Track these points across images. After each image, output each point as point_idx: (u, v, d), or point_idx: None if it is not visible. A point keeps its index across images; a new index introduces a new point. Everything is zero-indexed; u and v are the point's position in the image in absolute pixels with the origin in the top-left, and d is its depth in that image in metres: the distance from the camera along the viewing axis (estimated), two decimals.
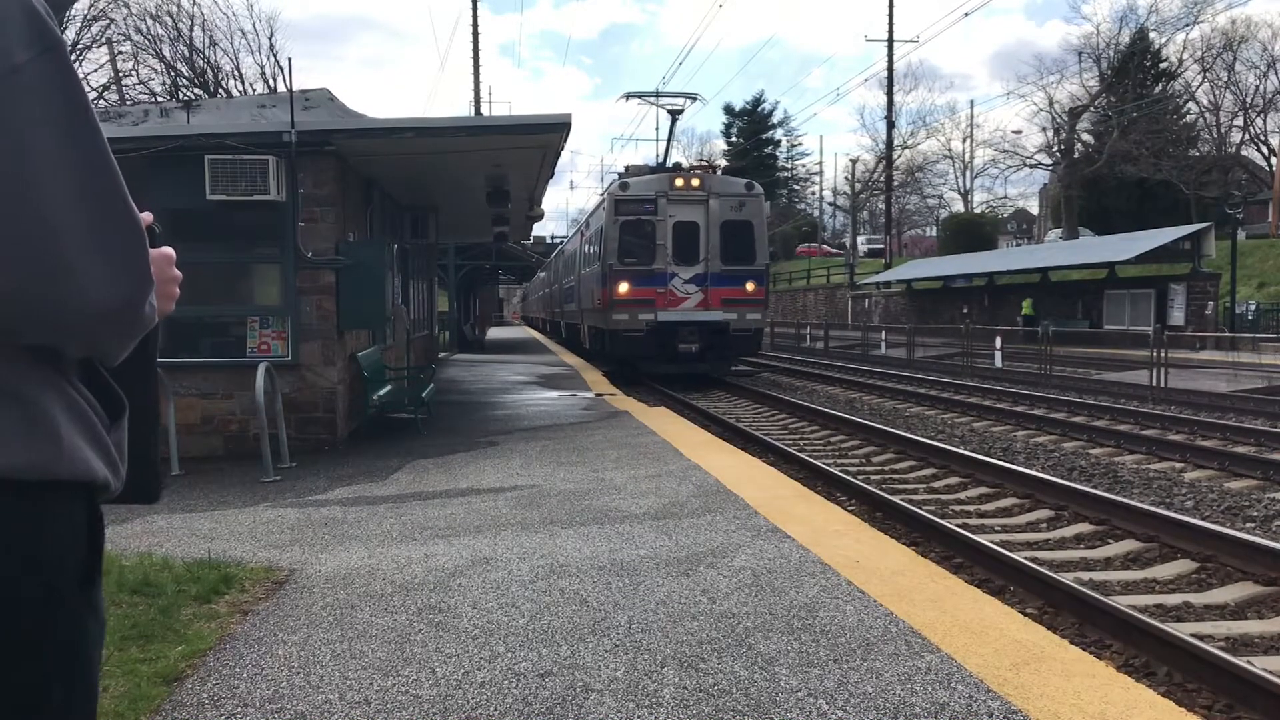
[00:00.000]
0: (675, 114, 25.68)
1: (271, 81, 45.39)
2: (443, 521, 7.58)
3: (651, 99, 25.96)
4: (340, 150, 11.78)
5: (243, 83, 46.19)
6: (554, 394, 18.16)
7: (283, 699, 4.17)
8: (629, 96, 25.85)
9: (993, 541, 8.28)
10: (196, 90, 41.77)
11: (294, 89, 12.79)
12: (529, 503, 8.16)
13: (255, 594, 5.73)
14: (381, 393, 13.15)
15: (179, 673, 4.49)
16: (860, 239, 71.65)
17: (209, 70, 44.90)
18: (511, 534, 7.04)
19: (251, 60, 72.27)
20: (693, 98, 25.57)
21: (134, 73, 41.85)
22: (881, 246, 68.71)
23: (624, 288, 22.09)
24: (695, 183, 22.72)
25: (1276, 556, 7.42)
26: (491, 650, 4.66)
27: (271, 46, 50.87)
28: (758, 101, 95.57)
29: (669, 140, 27.71)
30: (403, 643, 4.80)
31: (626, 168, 24.90)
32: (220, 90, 43.49)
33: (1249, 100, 70.62)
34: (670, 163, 25.60)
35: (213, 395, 11.52)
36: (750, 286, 22.81)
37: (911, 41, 67.48)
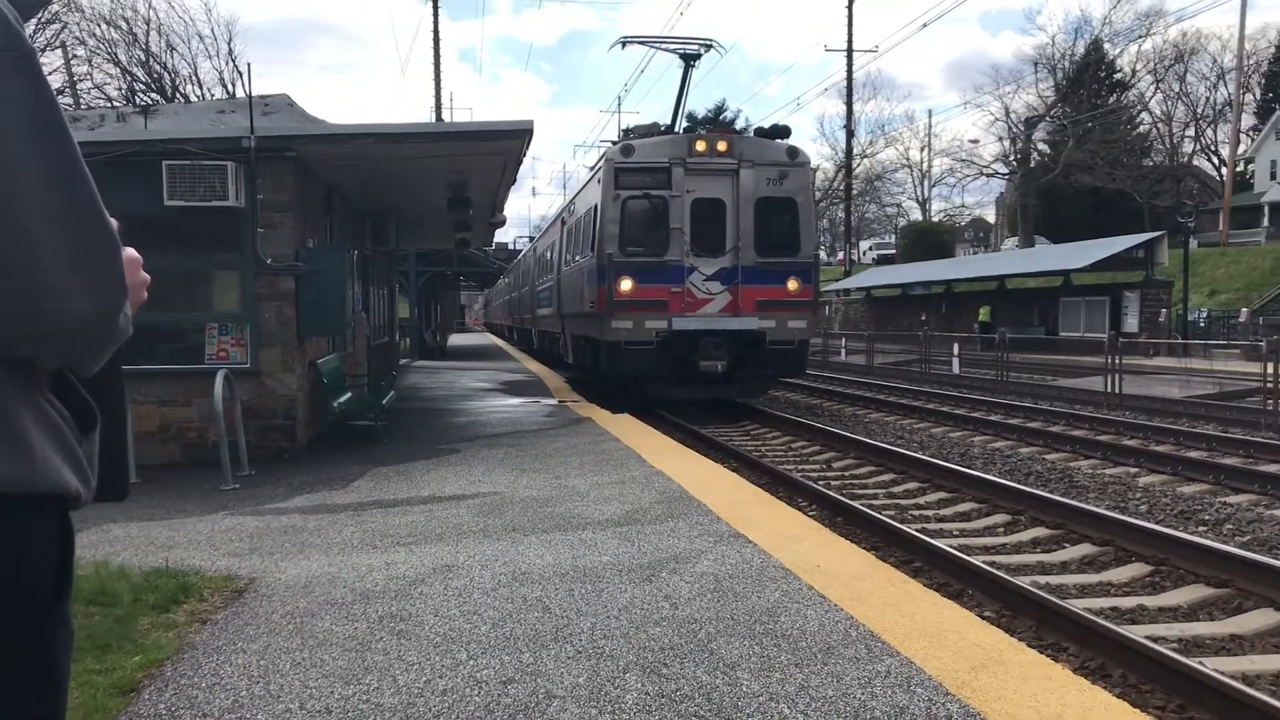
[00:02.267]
0: (690, 60, 19.35)
1: (230, 87, 45.06)
2: (404, 529, 7.54)
3: (655, 43, 20.38)
4: (300, 156, 11.71)
5: (201, 88, 45.82)
6: (516, 401, 18.11)
7: (242, 708, 4.14)
8: (625, 43, 20.24)
9: (951, 546, 8.37)
10: (154, 95, 41.33)
11: (253, 94, 12.71)
12: (491, 510, 8.13)
13: (214, 603, 5.67)
14: (342, 400, 13.07)
15: (136, 684, 4.43)
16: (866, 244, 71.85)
17: (166, 75, 44.51)
18: (474, 541, 7.03)
19: (210, 65, 71.77)
20: (708, 45, 19.57)
21: (89, 77, 41.39)
22: (887, 252, 69.09)
23: (627, 285, 16.90)
24: (722, 146, 17.42)
25: (1227, 559, 7.55)
26: (454, 658, 4.64)
27: (230, 51, 50.53)
28: (720, 109, 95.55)
29: (682, 96, 20.15)
30: (364, 651, 4.78)
31: (627, 130, 19.14)
32: (178, 95, 43.08)
33: (1200, 111, 71.91)
34: (682, 129, 19.63)
35: (171, 402, 11.39)
36: (793, 285, 17.51)
37: (870, 51, 68.39)
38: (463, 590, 5.76)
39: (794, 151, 17.96)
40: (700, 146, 17.41)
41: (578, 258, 20.06)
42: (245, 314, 11.56)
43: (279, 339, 11.61)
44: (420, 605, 5.48)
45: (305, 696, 4.24)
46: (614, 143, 18.75)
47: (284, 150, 11.44)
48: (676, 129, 19.30)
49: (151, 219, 11.02)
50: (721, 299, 17.36)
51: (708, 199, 17.37)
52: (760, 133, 18.44)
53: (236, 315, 11.64)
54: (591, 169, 21.06)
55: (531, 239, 42.05)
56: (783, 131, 18.24)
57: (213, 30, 71.77)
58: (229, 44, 62.89)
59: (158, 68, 44.16)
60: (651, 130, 18.68)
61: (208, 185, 10.84)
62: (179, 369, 11.47)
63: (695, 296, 17.27)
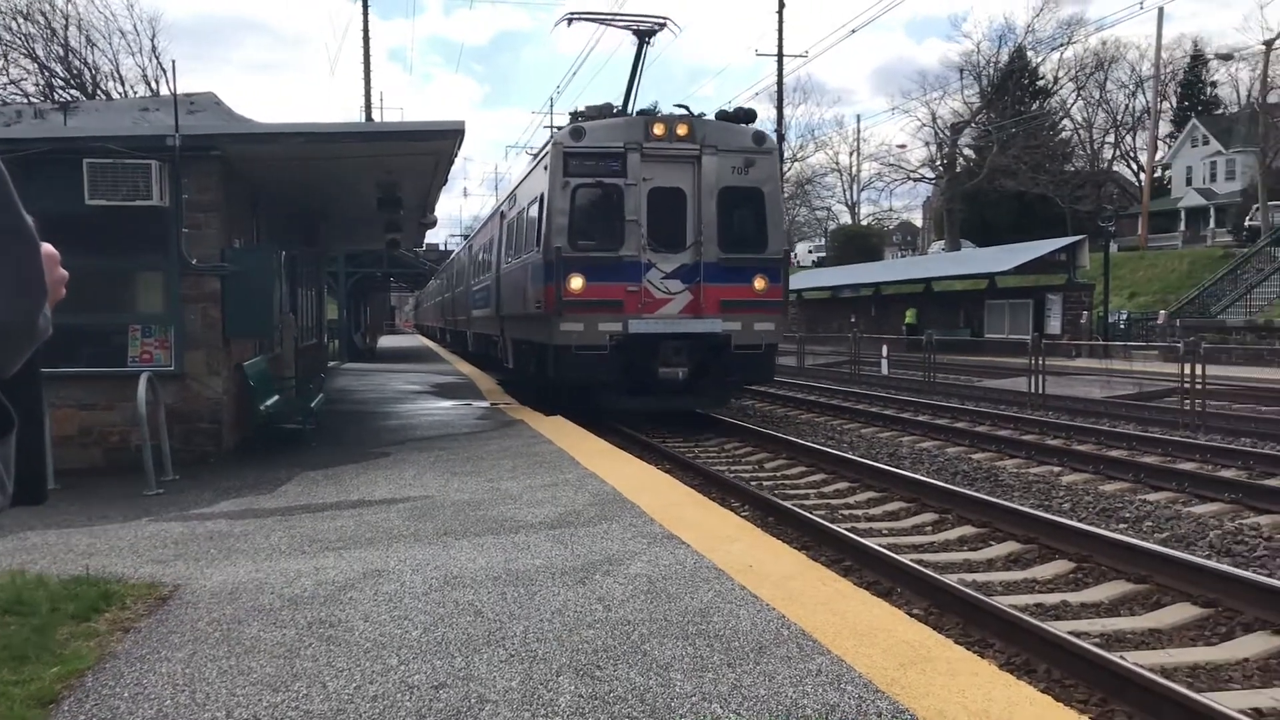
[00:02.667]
0: (644, 36, 17.80)
1: (154, 84, 44.15)
2: (333, 534, 7.45)
3: (606, 20, 18.68)
4: (226, 155, 11.51)
5: (123, 85, 44.83)
6: (448, 403, 17.99)
7: (166, 718, 4.06)
8: (571, 19, 18.37)
9: (881, 545, 8.47)
10: (73, 92, 40.37)
11: (178, 92, 12.47)
12: (422, 514, 8.07)
13: (137, 611, 5.55)
14: (269, 403, 12.87)
15: (55, 695, 4.32)
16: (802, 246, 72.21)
17: (87, 71, 43.48)
18: (404, 546, 6.96)
19: (132, 62, 70.02)
20: (662, 23, 17.95)
21: (4, 72, 40.31)
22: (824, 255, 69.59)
23: (577, 283, 15.30)
24: (682, 130, 15.90)
25: (1147, 556, 7.75)
26: (384, 663, 4.60)
27: (154, 48, 49.45)
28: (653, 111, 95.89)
29: (635, 77, 18.18)
30: (292, 657, 4.71)
31: (576, 112, 16.93)
32: (99, 93, 42.11)
33: (1119, 118, 73.78)
34: (636, 112, 17.22)
35: (92, 406, 11.13)
36: (760, 284, 16.08)
37: (800, 56, 68.90)
38: (393, 595, 5.70)
39: (760, 137, 16.58)
40: (658, 130, 15.79)
41: (520, 254, 18.45)
42: (169, 315, 11.34)
43: (204, 341, 11.40)
44: (350, 611, 5.42)
45: (232, 704, 4.17)
46: (559, 128, 16.76)
47: (210, 149, 11.24)
48: (630, 112, 17.32)
49: (72, 218, 10.76)
50: (682, 299, 15.90)
51: (666, 188, 15.87)
52: (723, 116, 16.87)
53: (160, 317, 11.41)
54: (535, 155, 19.09)
55: (466, 236, 40.07)
56: (748, 115, 16.92)
57: (135, 26, 70.35)
58: (152, 40, 61.34)
59: (78, 63, 43.12)
60: (604, 111, 16.64)
61: (131, 184, 10.62)
62: (101, 371, 11.21)
63: (653, 296, 15.75)
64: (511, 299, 19.38)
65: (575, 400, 16.45)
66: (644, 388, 15.82)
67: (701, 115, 16.56)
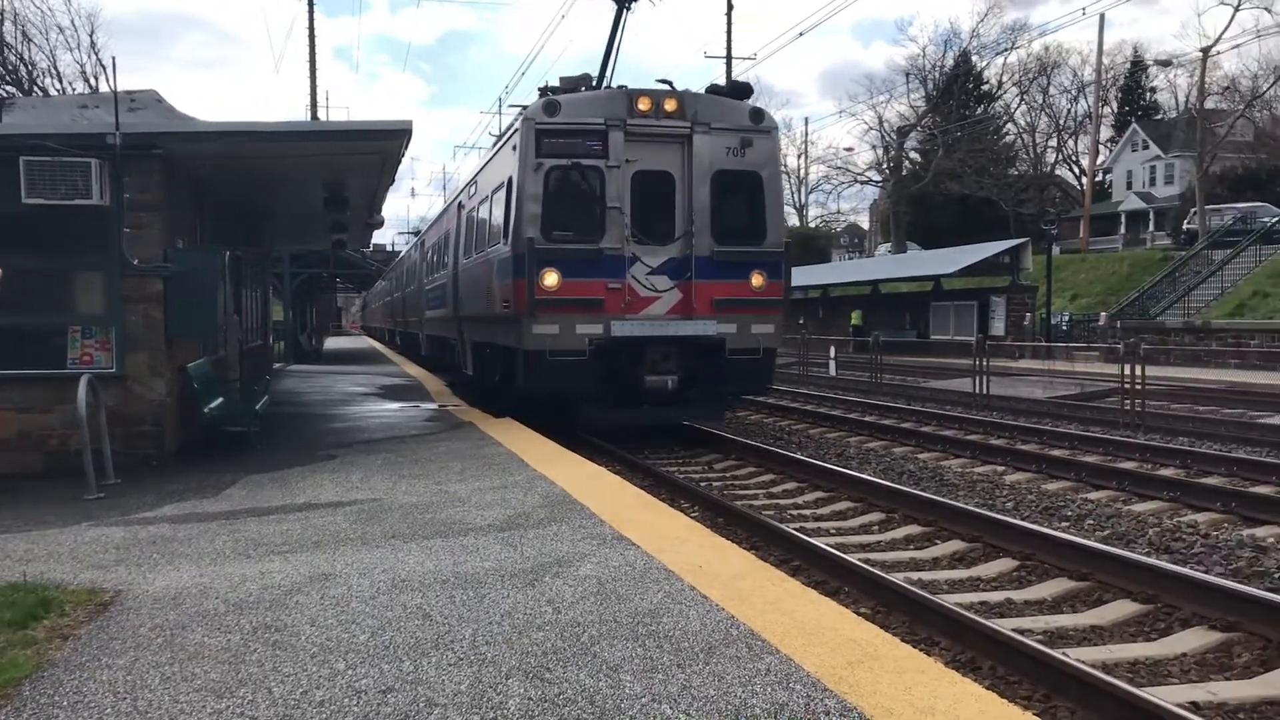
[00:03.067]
0: (625, 1, 16.29)
1: (93, 81, 43.42)
2: (279, 538, 7.36)
3: None
4: (169, 154, 11.33)
5: (61, 81, 44.05)
6: (395, 405, 17.85)
7: None
8: None
9: (829, 544, 8.54)
10: (8, 88, 39.53)
11: (119, 89, 12.24)
12: (369, 517, 8.00)
13: (77, 617, 5.45)
14: (213, 405, 12.69)
15: None
16: None
17: (23, 67, 42.62)
18: (351, 549, 6.90)
19: (70, 58, 68.94)
20: None
21: None
22: None
23: (552, 280, 13.67)
24: (671, 106, 14.17)
25: (1089, 554, 7.88)
26: (331, 668, 4.55)
27: (93, 44, 48.46)
28: None
29: (613, 46, 16.61)
30: (237, 663, 4.65)
31: (547, 88, 15.09)
32: (36, 89, 41.30)
33: (1061, 123, 74.99)
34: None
35: (30, 409, 10.91)
36: (758, 280, 14.48)
37: (749, 59, 69.15)
38: (340, 599, 5.65)
39: (759, 114, 14.84)
40: (644, 105, 14.03)
41: (484, 248, 16.63)
42: (111, 317, 11.14)
43: (147, 343, 11.22)
44: (296, 615, 5.36)
45: (175, 712, 4.11)
46: (524, 107, 14.80)
47: (151, 148, 11.06)
48: (607, 85, 15.78)
49: (9, 217, 10.58)
50: (670, 297, 14.23)
51: (653, 172, 14.22)
52: (715, 90, 15.24)
53: (101, 318, 11.21)
54: (502, 135, 17.06)
55: (417, 233, 37.92)
56: (743, 89, 15.34)
57: (73, 21, 68.69)
58: (91, 36, 60.31)
59: (13, 59, 42.27)
60: (581, 84, 14.99)
61: (70, 183, 10.43)
62: (39, 374, 10.98)
63: (638, 294, 14.07)
64: (472, 298, 17.76)
65: (547, 412, 14.94)
66: (629, 399, 14.26)
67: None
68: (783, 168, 15.10)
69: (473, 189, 18.85)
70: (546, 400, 14.57)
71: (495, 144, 17.29)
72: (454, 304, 20.01)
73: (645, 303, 14.12)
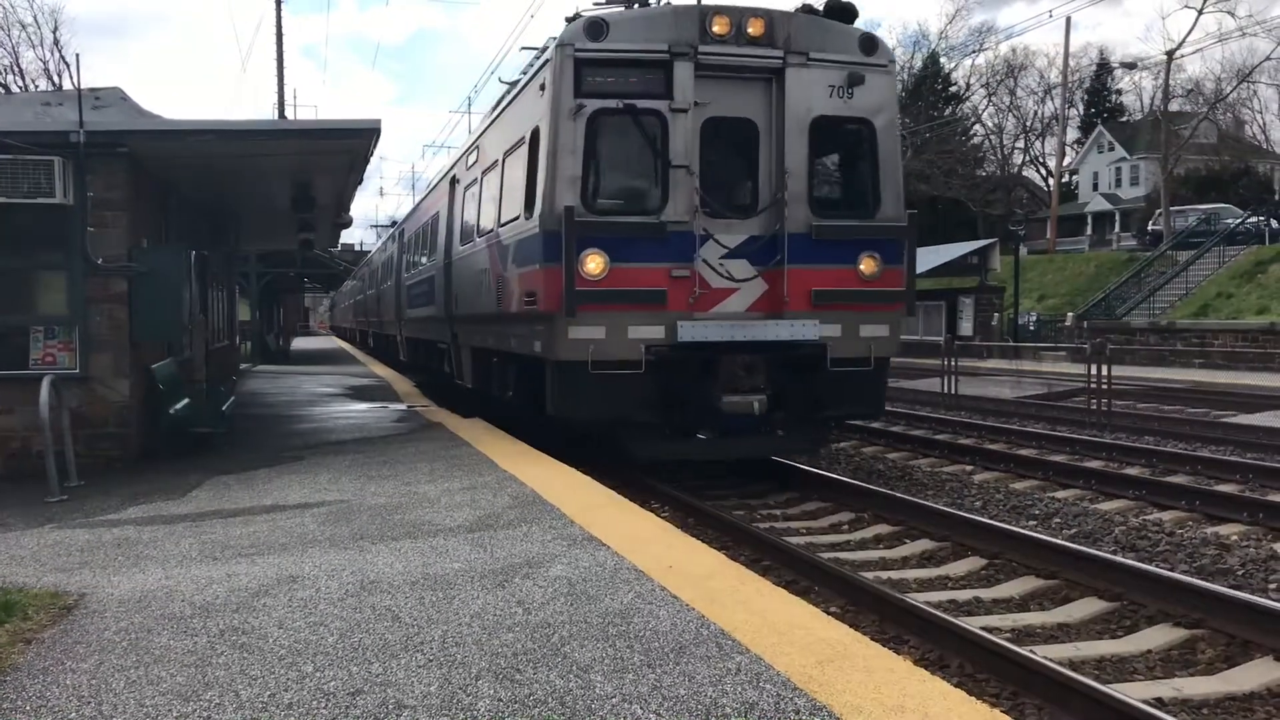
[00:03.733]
0: None
1: (56, 78, 42.93)
2: (246, 540, 7.30)
3: None
4: (134, 152, 11.22)
5: (23, 78, 43.55)
6: (363, 406, 17.75)
7: None
8: None
9: (798, 544, 8.57)
10: None
11: (83, 87, 12.11)
12: (338, 518, 7.95)
13: (40, 621, 5.38)
14: (179, 406, 12.56)
15: None
16: None
17: None
18: (319, 551, 6.85)
19: (33, 55, 67.93)
20: None
21: None
22: None
23: (596, 265, 10.31)
24: (756, 28, 10.69)
25: (1056, 551, 7.95)
26: (299, 670, 4.52)
27: (56, 41, 47.97)
28: None
29: None
30: (204, 666, 4.61)
31: (577, 16, 10.93)
32: None
33: (1029, 124, 75.68)
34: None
35: None
36: (869, 265, 10.99)
37: None
38: (308, 601, 5.61)
39: (871, 42, 11.24)
40: (719, 27, 10.58)
41: (493, 228, 13.11)
42: (74, 317, 11.00)
43: (111, 343, 11.10)
44: (264, 618, 5.32)
45: (141, 716, 4.06)
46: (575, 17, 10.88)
47: (116, 146, 10.94)
48: None
49: None
50: (752, 288, 10.84)
51: (731, 119, 10.86)
52: (809, 10, 11.34)
53: (64, 318, 11.07)
54: (518, 81, 12.77)
55: (392, 224, 35.35)
56: (848, 10, 11.46)
57: (35, 18, 68.11)
58: (54, 33, 59.66)
59: None
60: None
61: (32, 181, 10.30)
62: (0, 375, 10.84)
63: (710, 284, 10.65)
64: (473, 294, 14.41)
65: (585, 445, 11.75)
66: (702, 422, 10.90)
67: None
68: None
69: (473, 157, 15.35)
70: (583, 429, 11.46)
71: (506, 95, 13.44)
72: (445, 302, 16.73)
73: (719, 296, 10.76)
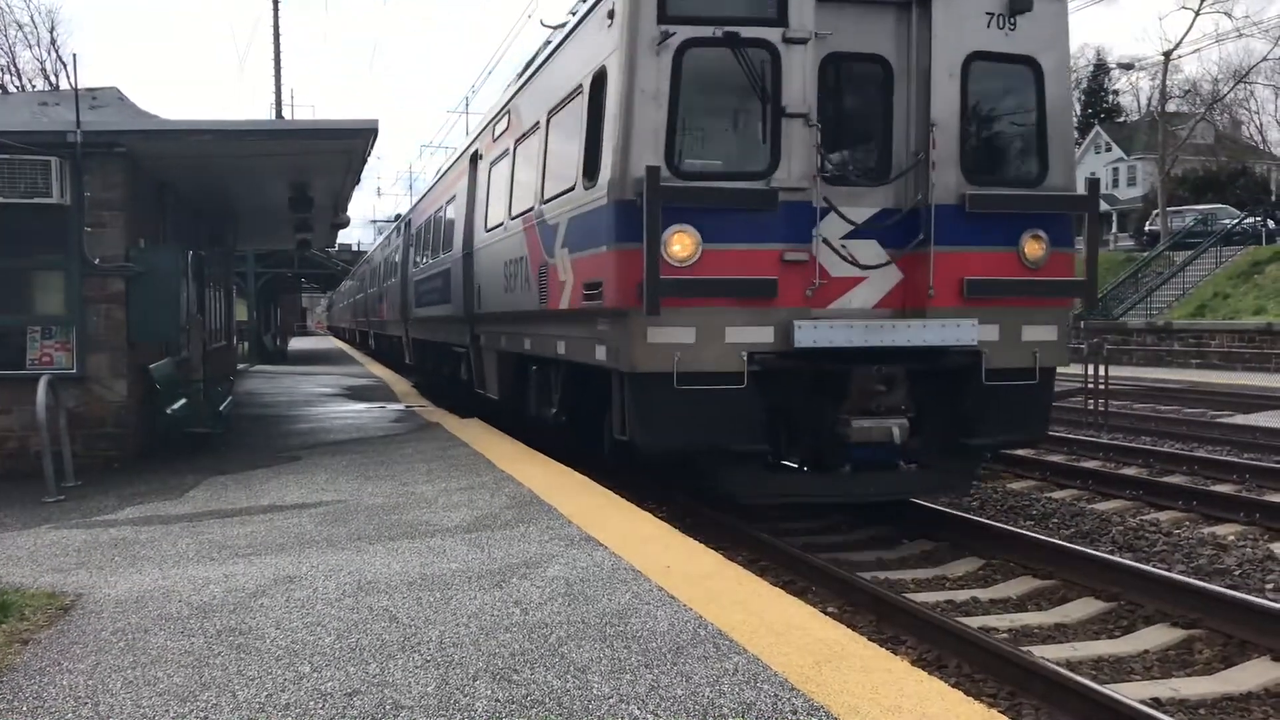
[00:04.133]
0: None
1: (53, 78, 42.89)
2: (243, 540, 7.29)
3: None
4: (132, 152, 11.20)
5: (20, 78, 43.49)
6: (360, 406, 17.74)
7: None
8: None
9: (796, 545, 8.56)
10: None
11: (80, 87, 12.10)
12: (335, 518, 7.94)
13: (37, 621, 5.38)
14: (176, 406, 12.55)
15: None
16: None
17: None
18: (317, 551, 6.85)
19: (30, 55, 67.85)
20: None
21: None
22: None
23: (685, 245, 8.02)
24: None
25: (1054, 552, 7.95)
26: (296, 671, 4.51)
27: (53, 41, 47.87)
28: None
29: None
30: (201, 667, 4.60)
31: None
32: None
33: None
34: None
35: None
36: (1034, 248, 8.60)
37: None
38: (306, 601, 5.60)
39: None
40: None
41: (533, 205, 10.78)
42: (71, 317, 10.99)
43: (108, 343, 11.08)
44: (261, 618, 5.31)
45: (138, 716, 4.06)
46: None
47: (114, 146, 10.93)
48: None
49: None
50: (884, 277, 8.57)
51: (857, 55, 8.61)
52: None
53: (62, 318, 11.06)
54: (566, 22, 10.40)
55: (397, 217, 32.42)
56: None
57: (32, 18, 67.78)
58: (51, 33, 59.50)
59: None
60: None
61: (29, 181, 10.31)
62: None
63: (830, 273, 8.37)
64: (503, 287, 12.13)
65: (672, 480, 10.05)
66: (820, 457, 8.78)
67: None
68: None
69: (501, 125, 12.84)
70: (664, 461, 9.41)
71: (559, 34, 10.70)
72: (465, 298, 14.39)
73: (842, 287, 8.47)
